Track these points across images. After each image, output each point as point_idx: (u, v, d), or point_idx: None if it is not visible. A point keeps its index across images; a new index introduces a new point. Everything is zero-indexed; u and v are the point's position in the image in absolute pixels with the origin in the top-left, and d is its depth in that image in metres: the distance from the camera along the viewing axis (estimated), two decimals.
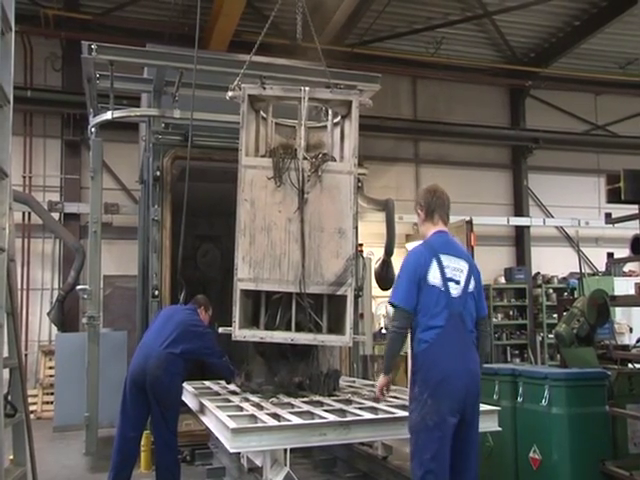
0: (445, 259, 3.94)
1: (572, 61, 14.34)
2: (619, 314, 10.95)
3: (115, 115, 7.33)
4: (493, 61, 14.44)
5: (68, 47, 11.79)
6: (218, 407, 4.85)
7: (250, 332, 5.56)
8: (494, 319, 13.46)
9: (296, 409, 4.82)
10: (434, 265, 3.89)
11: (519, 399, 5.36)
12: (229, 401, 5.27)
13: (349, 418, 4.46)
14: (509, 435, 5.37)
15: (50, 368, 10.61)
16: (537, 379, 5.23)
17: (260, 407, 4.88)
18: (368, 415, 4.53)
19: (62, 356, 9.38)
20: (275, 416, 4.47)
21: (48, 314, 10.81)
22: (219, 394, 5.75)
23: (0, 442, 3.40)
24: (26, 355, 11.00)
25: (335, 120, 6.07)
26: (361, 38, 12.86)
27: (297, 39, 6.56)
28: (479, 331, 4.05)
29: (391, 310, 4.14)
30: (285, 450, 4.25)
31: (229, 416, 4.42)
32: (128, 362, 9.37)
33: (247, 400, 5.24)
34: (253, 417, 4.51)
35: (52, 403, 9.70)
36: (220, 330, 5.74)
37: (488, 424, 4.57)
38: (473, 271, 4.05)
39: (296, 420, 4.33)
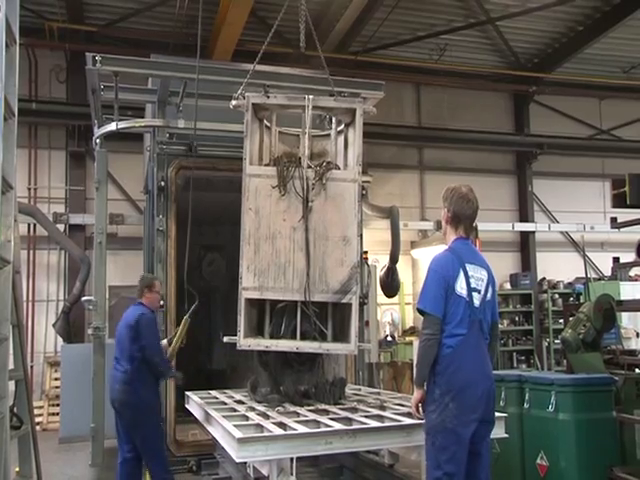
0: (470, 269, 4.00)
1: (576, 66, 14.34)
2: (625, 319, 10.89)
3: (120, 126, 7.36)
4: (497, 67, 14.45)
5: (72, 59, 11.85)
6: (224, 417, 4.86)
7: (255, 341, 5.55)
8: (500, 325, 13.39)
9: (302, 418, 4.80)
10: (461, 275, 3.94)
11: (526, 405, 5.34)
12: (235, 410, 5.27)
13: (355, 426, 4.46)
14: (516, 441, 5.35)
15: (56, 379, 10.62)
16: (544, 385, 5.21)
17: (266, 416, 4.88)
18: (374, 423, 4.53)
19: (68, 367, 9.40)
20: (281, 425, 4.48)
21: (53, 325, 10.84)
22: (225, 404, 5.73)
23: (6, 454, 3.40)
24: (32, 366, 11.01)
25: (339, 128, 6.08)
26: (365, 45, 12.90)
27: (300, 48, 6.58)
28: (490, 335, 4.11)
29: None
30: (291, 459, 4.22)
31: (235, 426, 4.43)
32: None
33: (253, 409, 5.22)
34: (259, 426, 4.51)
35: (58, 414, 9.71)
36: (225, 339, 5.73)
37: (495, 431, 4.47)
38: (491, 280, 4.13)
39: (302, 429, 4.33)
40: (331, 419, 4.67)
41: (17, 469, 4.13)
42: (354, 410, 5.11)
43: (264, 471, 4.42)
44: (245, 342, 5.47)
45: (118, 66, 6.96)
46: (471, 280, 3.96)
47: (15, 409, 3.96)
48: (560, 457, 4.96)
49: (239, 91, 5.94)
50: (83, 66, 6.94)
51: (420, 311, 3.99)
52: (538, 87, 14.67)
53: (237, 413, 5.12)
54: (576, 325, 6.14)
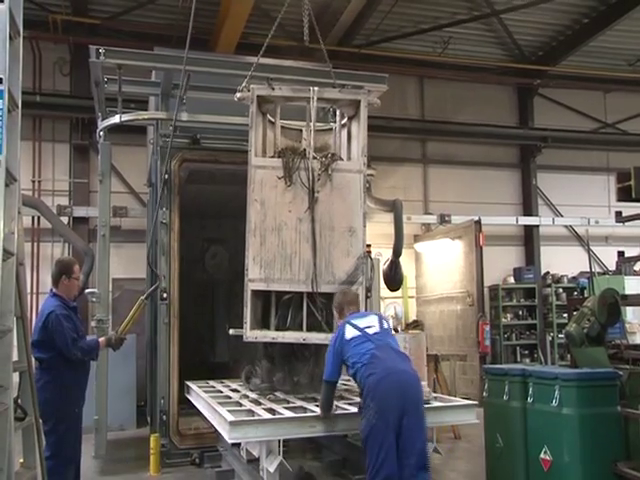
0: (357, 321, 4.76)
1: (581, 59, 14.27)
2: (630, 313, 10.89)
3: (123, 119, 7.35)
4: (501, 60, 14.38)
5: (76, 52, 11.83)
6: (219, 403, 5.22)
7: (261, 333, 5.56)
8: (503, 319, 13.41)
9: (290, 404, 5.23)
10: (348, 327, 4.71)
11: (529, 400, 5.33)
12: (230, 398, 5.61)
13: (337, 412, 4.86)
14: (519, 436, 5.34)
15: None
16: (547, 379, 5.19)
17: (258, 403, 5.29)
18: (354, 409, 4.83)
19: None
20: (271, 411, 4.90)
21: None
22: (221, 392, 6.06)
23: (10, 445, 3.41)
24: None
25: (342, 122, 6.06)
26: (368, 38, 12.85)
27: (304, 41, 6.55)
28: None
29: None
30: (279, 441, 4.59)
31: (229, 411, 4.79)
32: (137, 365, 9.46)
33: (246, 397, 5.65)
34: (250, 412, 4.90)
35: None
36: (231, 332, 5.74)
37: (466, 417, 5.15)
38: (381, 318, 4.90)
39: (288, 414, 4.78)
40: (317, 405, 4.98)
41: (21, 460, 4.14)
42: (340, 398, 5.37)
43: (255, 452, 4.89)
44: (252, 334, 5.48)
45: (122, 59, 6.95)
46: (359, 324, 4.71)
47: (19, 401, 3.96)
48: (564, 452, 4.95)
49: (243, 84, 5.93)
50: (87, 59, 6.93)
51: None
52: (542, 80, 14.60)
53: (231, 400, 5.51)
54: (580, 319, 6.12)
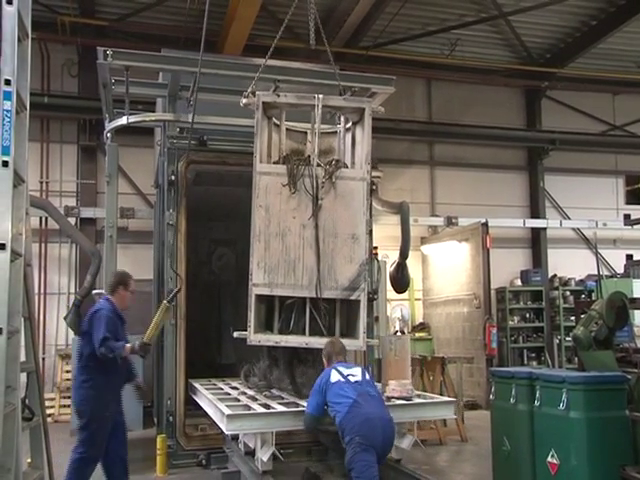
0: (342, 369, 5.12)
1: (589, 61, 14.22)
2: (638, 317, 10.80)
3: (130, 120, 7.38)
4: (508, 62, 14.34)
5: (84, 53, 11.89)
6: (219, 399, 5.71)
7: (265, 336, 5.60)
8: (510, 322, 13.37)
9: (284, 401, 5.68)
10: (334, 372, 5.08)
11: (536, 403, 5.30)
12: (229, 394, 6.11)
13: None
14: (526, 439, 5.32)
15: (67, 372, 10.69)
16: (555, 382, 5.17)
17: (254, 399, 5.75)
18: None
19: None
20: (265, 406, 5.37)
21: (65, 318, 10.85)
22: (222, 389, 6.56)
23: (18, 445, 3.42)
24: (43, 359, 11.10)
25: (347, 126, 6.07)
26: (375, 40, 12.84)
27: (310, 44, 6.56)
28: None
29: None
30: (272, 433, 5.13)
31: (227, 405, 5.27)
32: (144, 366, 9.47)
33: (244, 394, 6.10)
34: (247, 406, 5.39)
35: (69, 406, 9.78)
36: (235, 335, 5.76)
37: (444, 412, 5.85)
38: (364, 372, 5.23)
39: (281, 408, 5.31)
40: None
41: (29, 460, 4.16)
42: None
43: (251, 444, 5.36)
44: (255, 337, 5.52)
45: (129, 60, 6.97)
46: (343, 372, 5.10)
47: (27, 401, 3.98)
48: (571, 455, 4.92)
49: (250, 88, 5.94)
50: (95, 60, 6.96)
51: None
52: (550, 82, 14.55)
53: (230, 396, 6.05)
54: (588, 322, 6.09)
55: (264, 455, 5.04)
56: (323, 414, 5.09)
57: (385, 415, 4.93)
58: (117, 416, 5.57)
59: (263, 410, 5.19)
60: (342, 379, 5.05)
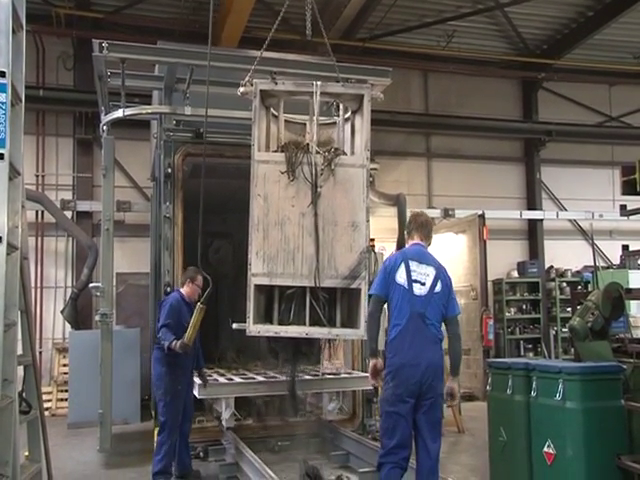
0: (414, 265, 4.79)
1: (586, 52, 14.21)
2: (634, 307, 10.83)
3: (126, 113, 7.34)
4: (505, 53, 14.33)
5: (80, 46, 11.83)
6: (196, 376, 6.77)
7: (264, 327, 5.56)
8: (507, 313, 13.41)
9: (245, 375, 7.57)
10: (402, 267, 4.77)
11: (533, 393, 5.32)
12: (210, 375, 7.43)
13: (272, 380, 7.13)
14: (523, 430, 5.34)
15: (64, 365, 10.69)
16: (551, 373, 5.18)
17: (223, 375, 7.55)
18: (282, 377, 6.78)
19: (76, 353, 9.47)
20: (229, 379, 7.22)
21: (62, 312, 10.89)
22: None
23: (15, 439, 3.43)
24: (40, 352, 11.10)
25: (346, 116, 6.05)
26: (372, 32, 12.81)
27: (307, 36, 6.52)
28: (448, 332, 4.82)
29: None
30: (235, 398, 6.91)
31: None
32: (141, 359, 9.49)
33: (218, 373, 7.83)
34: (216, 380, 7.14)
35: (66, 400, 9.79)
36: (234, 326, 5.75)
37: (364, 385, 7.14)
38: (441, 275, 4.83)
39: (239, 380, 7.19)
40: (266, 376, 7.34)
41: (26, 453, 4.17)
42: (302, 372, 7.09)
43: (218, 408, 7.06)
44: (255, 328, 5.48)
45: (125, 53, 6.93)
46: (412, 273, 4.75)
47: (24, 394, 3.99)
48: (567, 445, 4.94)
49: (247, 78, 5.91)
50: (90, 53, 6.92)
51: (369, 296, 4.96)
52: (547, 74, 14.54)
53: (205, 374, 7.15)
54: (584, 313, 6.10)
55: (227, 414, 6.76)
56: (388, 295, 4.78)
57: (429, 356, 4.59)
58: (186, 397, 6.41)
59: (225, 381, 7.11)
60: (404, 282, 4.71)
